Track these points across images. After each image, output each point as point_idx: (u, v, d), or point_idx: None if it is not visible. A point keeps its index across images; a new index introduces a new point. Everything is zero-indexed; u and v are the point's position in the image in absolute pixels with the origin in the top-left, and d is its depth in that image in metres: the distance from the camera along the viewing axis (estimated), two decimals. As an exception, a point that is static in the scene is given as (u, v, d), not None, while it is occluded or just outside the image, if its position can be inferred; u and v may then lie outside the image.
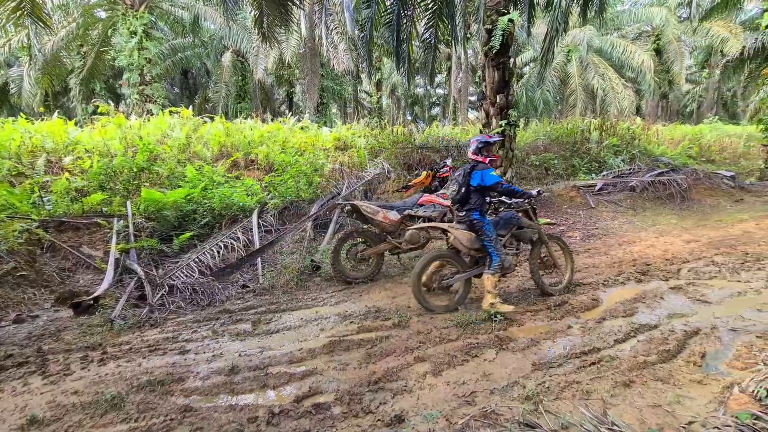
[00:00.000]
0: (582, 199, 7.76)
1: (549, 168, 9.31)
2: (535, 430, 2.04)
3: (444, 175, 5.27)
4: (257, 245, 5.29)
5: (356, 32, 11.83)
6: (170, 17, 14.96)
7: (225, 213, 5.83)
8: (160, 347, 3.19)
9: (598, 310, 3.65)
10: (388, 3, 7.73)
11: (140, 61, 12.01)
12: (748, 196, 8.35)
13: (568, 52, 17.49)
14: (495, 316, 3.46)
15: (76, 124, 8.39)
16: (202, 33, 15.69)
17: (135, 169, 6.13)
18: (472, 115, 21.63)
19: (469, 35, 12.78)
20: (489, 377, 2.62)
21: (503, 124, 6.71)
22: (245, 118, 11.24)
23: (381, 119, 19.35)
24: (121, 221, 5.23)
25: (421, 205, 4.92)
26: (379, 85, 21.92)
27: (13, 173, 5.87)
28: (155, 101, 12.37)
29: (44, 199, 5.38)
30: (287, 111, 20.07)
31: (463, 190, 3.64)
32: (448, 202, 4.98)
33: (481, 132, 7.18)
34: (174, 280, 4.36)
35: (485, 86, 6.91)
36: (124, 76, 12.31)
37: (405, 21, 7.83)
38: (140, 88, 12.17)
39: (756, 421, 1.93)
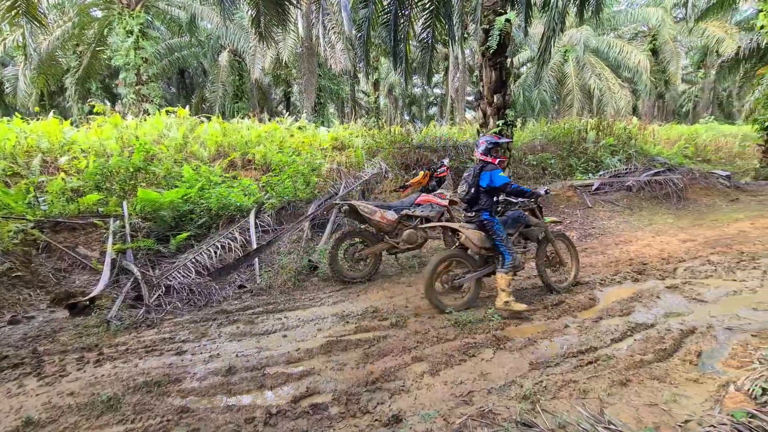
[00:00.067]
0: (579, 198, 7.78)
1: (546, 168, 9.33)
2: (532, 429, 2.04)
3: (441, 174, 5.27)
4: (254, 245, 5.28)
5: (353, 32, 11.81)
6: (167, 16, 14.90)
7: (222, 213, 5.81)
8: (156, 348, 3.18)
9: (595, 309, 3.66)
10: (385, 3, 7.73)
11: (137, 61, 11.96)
12: (743, 195, 8.39)
13: (565, 52, 17.54)
14: (493, 316, 3.47)
15: (71, 123, 8.35)
16: (199, 32, 15.63)
17: (131, 169, 6.10)
18: (469, 114, 21.66)
19: (466, 35, 12.78)
20: (486, 377, 2.62)
21: (500, 124, 6.73)
22: (242, 118, 11.22)
23: (378, 119, 19.35)
24: (118, 221, 5.20)
25: (419, 204, 4.92)
26: (376, 84, 21.91)
27: (8, 173, 5.83)
28: (152, 101, 12.33)
29: (40, 199, 5.34)
30: (284, 111, 20.06)
31: (472, 191, 3.65)
32: (445, 202, 4.99)
33: (478, 132, 7.19)
34: (171, 281, 4.35)
35: (482, 86, 6.92)
36: (121, 76, 12.26)
37: (402, 21, 7.83)
38: (137, 87, 12.12)
39: (752, 420, 1.94)
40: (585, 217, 7.15)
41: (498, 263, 3.66)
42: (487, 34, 6.55)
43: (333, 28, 13.61)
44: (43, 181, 5.76)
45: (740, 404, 2.12)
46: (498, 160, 3.69)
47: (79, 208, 5.39)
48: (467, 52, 20.29)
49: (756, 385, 2.21)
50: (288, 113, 14.64)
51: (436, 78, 28.43)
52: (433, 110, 36.61)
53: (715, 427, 1.94)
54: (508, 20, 6.38)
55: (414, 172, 7.78)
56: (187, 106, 10.12)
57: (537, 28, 13.82)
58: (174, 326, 3.63)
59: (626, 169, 9.18)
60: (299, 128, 10.20)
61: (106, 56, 14.42)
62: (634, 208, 7.62)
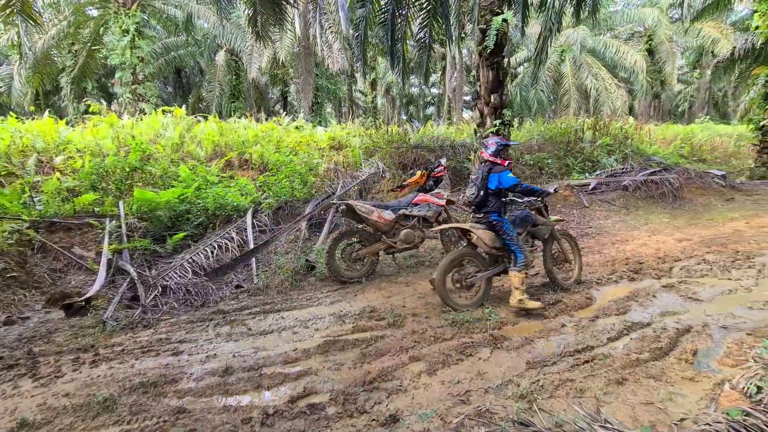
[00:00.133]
0: (576, 198, 7.81)
1: (543, 167, 9.36)
2: (529, 428, 2.05)
3: (438, 174, 5.28)
4: (251, 245, 5.27)
5: (351, 31, 11.80)
6: (163, 15, 14.83)
7: (219, 213, 5.79)
8: (153, 348, 3.16)
9: (591, 308, 3.67)
10: (382, 2, 7.72)
11: (133, 60, 11.90)
12: (738, 195, 8.44)
13: (562, 52, 17.59)
14: (490, 315, 3.48)
15: (67, 123, 8.31)
16: (196, 32, 15.57)
17: (127, 169, 6.07)
18: (466, 114, 21.67)
19: (463, 35, 12.79)
20: (483, 376, 2.63)
21: (497, 124, 6.73)
22: (239, 118, 11.21)
23: (376, 119, 19.36)
24: (114, 221, 5.18)
25: (416, 204, 4.92)
26: (373, 84, 21.93)
27: (3, 173, 5.80)
28: (148, 100, 12.27)
29: (35, 199, 5.31)
30: (282, 110, 20.01)
31: (481, 193, 3.67)
32: (442, 202, 5.00)
33: (475, 132, 7.20)
34: (167, 281, 4.33)
35: (480, 86, 6.93)
36: (117, 75, 12.20)
37: (399, 20, 7.83)
38: (133, 87, 12.06)
39: (746, 418, 1.95)
40: (582, 216, 7.18)
41: (510, 262, 3.70)
42: (484, 34, 6.55)
43: (330, 27, 13.59)
44: (38, 181, 5.73)
45: (735, 402, 2.13)
46: (507, 161, 3.73)
47: (74, 208, 5.37)
48: (464, 51, 20.30)
49: (751, 384, 2.22)
50: (285, 113, 14.61)
51: (433, 78, 28.40)
52: (431, 110, 36.63)
53: (710, 425, 1.95)
54: (505, 20, 6.38)
55: (411, 171, 7.79)
56: (184, 106, 10.07)
57: (534, 28, 13.84)
58: (170, 326, 3.61)
59: (623, 168, 9.21)
60: (296, 128, 10.19)
61: (102, 55, 14.34)
62: (631, 207, 7.65)
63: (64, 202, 5.43)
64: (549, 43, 7.24)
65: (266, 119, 11.22)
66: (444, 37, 9.01)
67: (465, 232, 3.78)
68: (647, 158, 10.13)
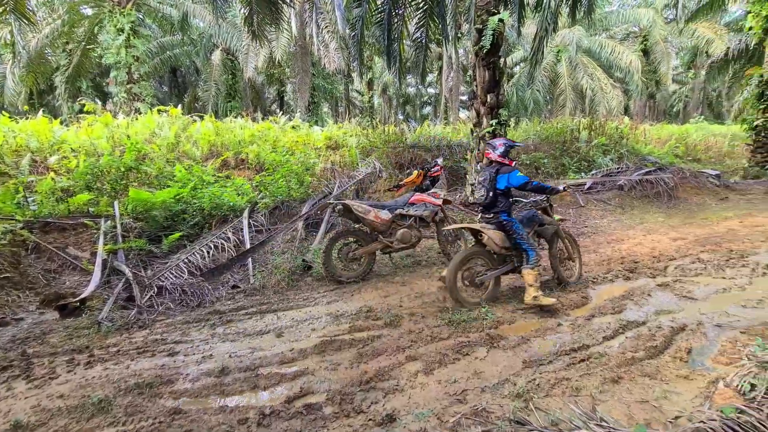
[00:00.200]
0: (572, 197, 7.84)
1: (539, 167, 9.39)
2: (525, 427, 2.05)
3: (435, 174, 5.28)
4: (248, 245, 5.25)
5: (347, 31, 11.80)
6: (158, 14, 14.77)
7: (215, 213, 5.77)
8: (148, 349, 3.15)
9: (587, 307, 3.69)
10: (379, 2, 7.73)
11: (128, 59, 11.83)
12: (732, 194, 8.51)
13: (558, 52, 17.66)
14: (486, 315, 3.49)
15: (61, 123, 8.24)
16: (191, 31, 15.52)
17: (123, 169, 6.03)
18: (463, 114, 21.70)
19: (460, 35, 12.83)
20: (480, 375, 2.64)
21: (494, 124, 6.75)
22: (235, 117, 11.16)
23: (372, 118, 19.34)
24: (109, 222, 5.14)
25: (413, 204, 4.92)
26: (370, 84, 21.92)
27: (-4, 173, 5.75)
28: (143, 100, 12.21)
29: (29, 199, 5.27)
30: (278, 110, 19.95)
31: (490, 194, 3.72)
32: (439, 201, 5.00)
33: (472, 132, 7.21)
34: (163, 281, 4.31)
35: (476, 85, 6.94)
36: (111, 74, 12.13)
37: (396, 20, 7.84)
38: (128, 86, 11.99)
39: (740, 415, 1.97)
40: (578, 216, 7.21)
41: (523, 260, 3.75)
42: (481, 34, 6.57)
43: (327, 27, 13.58)
44: (32, 181, 5.68)
45: (729, 400, 2.15)
46: (514, 162, 3.79)
47: (69, 209, 5.32)
48: (461, 51, 20.32)
49: (745, 381, 2.24)
50: (282, 112, 14.56)
51: (430, 77, 28.47)
52: (427, 109, 36.66)
53: (704, 423, 1.97)
54: (501, 20, 6.40)
55: (408, 171, 7.79)
56: (180, 105, 10.02)
57: (530, 28, 13.89)
58: (166, 327, 3.60)
59: (618, 168, 9.26)
60: (293, 127, 10.17)
61: (96, 54, 14.25)
62: (626, 206, 7.70)
63: (58, 202, 5.39)
64: (545, 43, 7.27)
65: (263, 119, 11.19)
66: (440, 37, 9.02)
67: (476, 233, 3.84)
68: (642, 158, 10.19)
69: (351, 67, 18.13)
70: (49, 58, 14.21)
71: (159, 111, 9.18)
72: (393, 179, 7.60)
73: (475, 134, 7.07)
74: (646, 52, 20.78)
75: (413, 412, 2.28)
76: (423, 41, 8.29)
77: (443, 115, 21.33)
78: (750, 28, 10.40)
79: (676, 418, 2.12)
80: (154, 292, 4.13)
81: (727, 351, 2.74)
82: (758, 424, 1.88)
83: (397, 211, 4.78)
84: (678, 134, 14.25)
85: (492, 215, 3.78)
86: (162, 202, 5.39)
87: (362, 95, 25.99)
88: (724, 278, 4.14)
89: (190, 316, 3.84)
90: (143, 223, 5.35)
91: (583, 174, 9.26)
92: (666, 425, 2.08)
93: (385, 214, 4.63)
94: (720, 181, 9.03)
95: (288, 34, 13.56)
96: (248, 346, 3.18)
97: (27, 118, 8.18)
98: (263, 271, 4.90)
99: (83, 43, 13.76)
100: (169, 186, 5.84)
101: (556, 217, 4.42)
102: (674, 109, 30.98)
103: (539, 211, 4.15)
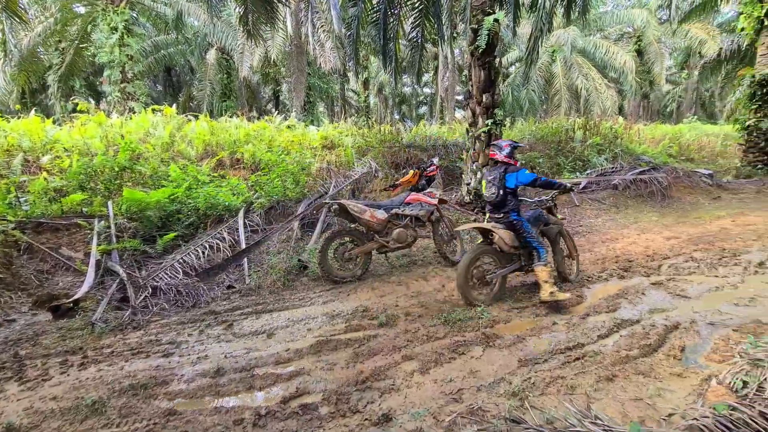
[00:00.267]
0: (566, 197, 7.88)
1: (534, 167, 9.42)
2: (520, 425, 2.06)
3: (431, 173, 5.29)
4: (243, 245, 5.23)
5: (343, 30, 11.78)
6: (152, 13, 14.64)
7: (210, 213, 5.74)
8: (143, 350, 3.13)
9: (582, 306, 3.71)
10: (374, 1, 7.72)
11: (121, 58, 11.73)
12: (725, 193, 8.58)
13: (553, 52, 17.73)
14: (482, 314, 3.50)
15: (54, 122, 8.15)
16: (186, 30, 15.39)
17: (116, 169, 5.99)
18: (458, 114, 21.76)
19: (455, 35, 12.83)
20: (476, 374, 2.64)
21: (489, 123, 6.76)
22: (230, 117, 11.10)
23: (368, 118, 19.33)
24: (103, 222, 5.10)
25: (409, 203, 4.93)
26: (366, 83, 21.88)
27: (-12, 173, 5.68)
28: (137, 99, 12.11)
29: (21, 199, 5.21)
30: (273, 109, 19.90)
31: (500, 192, 3.78)
32: (435, 201, 5.01)
33: (467, 131, 7.23)
34: (157, 282, 4.28)
35: (472, 85, 6.95)
36: (105, 73, 12.02)
37: (392, 20, 7.83)
38: (122, 85, 11.89)
39: (733, 412, 1.99)
40: (572, 215, 7.25)
41: (533, 259, 3.81)
42: (476, 34, 6.58)
43: (322, 26, 13.55)
44: (24, 181, 5.62)
45: (722, 397, 2.17)
46: (519, 162, 3.87)
47: (62, 209, 5.27)
48: (457, 51, 20.39)
49: (737, 379, 2.26)
50: (277, 112, 14.54)
51: (425, 77, 28.48)
52: (423, 109, 36.69)
53: (697, 420, 1.98)
54: (496, 20, 6.41)
55: (404, 171, 7.79)
56: (174, 105, 9.97)
57: (525, 28, 13.94)
58: (161, 328, 3.57)
59: (612, 168, 9.32)
60: (288, 127, 10.13)
61: (89, 53, 14.09)
62: (620, 206, 7.74)
63: (51, 203, 5.33)
64: (540, 43, 7.29)
65: (258, 118, 11.15)
66: (436, 37, 9.03)
67: (486, 232, 3.87)
68: (636, 157, 10.26)
69: (347, 67, 18.09)
70: (42, 56, 14.07)
71: (153, 110, 9.12)
72: (389, 179, 7.61)
73: (470, 134, 7.09)
74: (640, 53, 20.93)
75: (409, 411, 2.29)
76: (419, 41, 8.31)
77: (439, 115, 21.35)
78: (742, 29, 10.50)
79: (670, 415, 2.14)
80: (148, 293, 4.10)
81: (719, 349, 2.76)
82: (750, 421, 1.90)
83: (393, 211, 4.78)
84: (671, 134, 14.36)
85: (502, 215, 3.84)
86: (156, 202, 5.36)
87: (358, 95, 25.95)
88: (716, 277, 4.18)
89: (185, 317, 3.82)
90: (137, 223, 5.31)
91: (578, 173, 9.30)
92: (660, 423, 2.09)
93: (381, 214, 4.63)
94: (713, 180, 9.10)
95: (283, 34, 13.50)
96: (244, 347, 3.17)
97: (19, 118, 8.09)
98: (259, 271, 4.88)
99: (76, 42, 13.63)
100: (163, 186, 5.80)
101: (559, 216, 4.48)
102: (668, 109, 31.21)
103: (544, 211, 4.22)
